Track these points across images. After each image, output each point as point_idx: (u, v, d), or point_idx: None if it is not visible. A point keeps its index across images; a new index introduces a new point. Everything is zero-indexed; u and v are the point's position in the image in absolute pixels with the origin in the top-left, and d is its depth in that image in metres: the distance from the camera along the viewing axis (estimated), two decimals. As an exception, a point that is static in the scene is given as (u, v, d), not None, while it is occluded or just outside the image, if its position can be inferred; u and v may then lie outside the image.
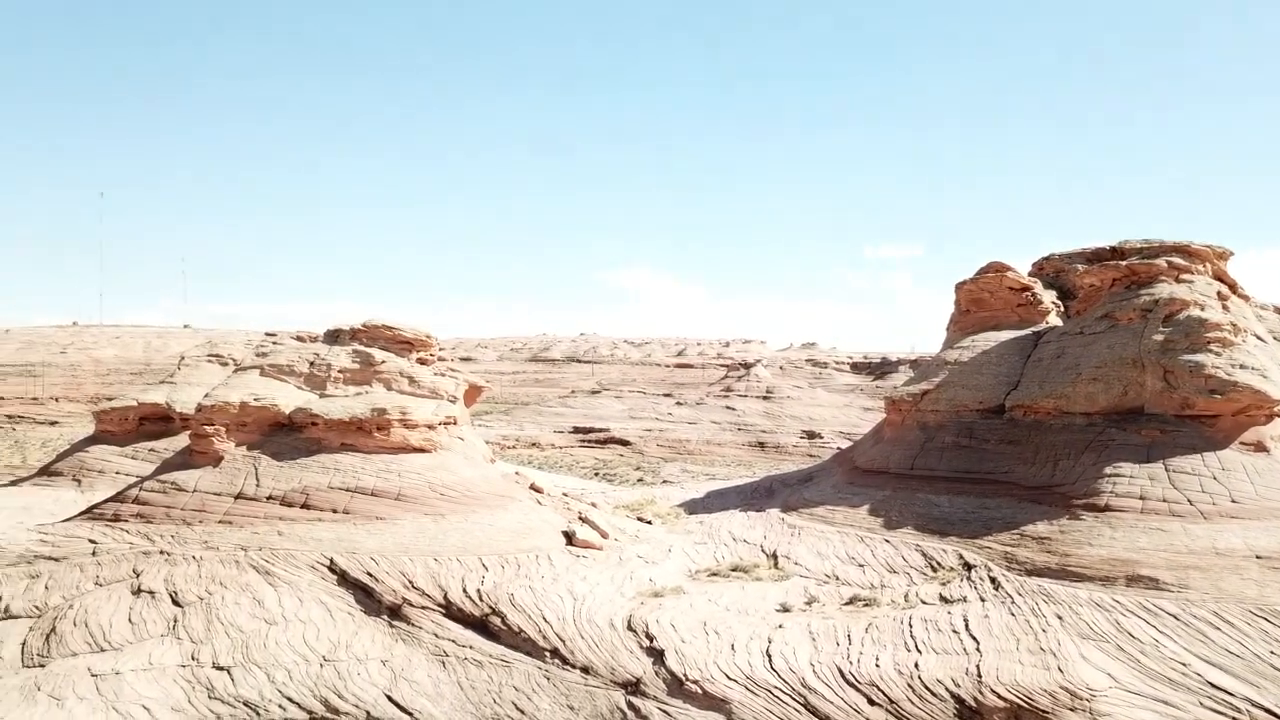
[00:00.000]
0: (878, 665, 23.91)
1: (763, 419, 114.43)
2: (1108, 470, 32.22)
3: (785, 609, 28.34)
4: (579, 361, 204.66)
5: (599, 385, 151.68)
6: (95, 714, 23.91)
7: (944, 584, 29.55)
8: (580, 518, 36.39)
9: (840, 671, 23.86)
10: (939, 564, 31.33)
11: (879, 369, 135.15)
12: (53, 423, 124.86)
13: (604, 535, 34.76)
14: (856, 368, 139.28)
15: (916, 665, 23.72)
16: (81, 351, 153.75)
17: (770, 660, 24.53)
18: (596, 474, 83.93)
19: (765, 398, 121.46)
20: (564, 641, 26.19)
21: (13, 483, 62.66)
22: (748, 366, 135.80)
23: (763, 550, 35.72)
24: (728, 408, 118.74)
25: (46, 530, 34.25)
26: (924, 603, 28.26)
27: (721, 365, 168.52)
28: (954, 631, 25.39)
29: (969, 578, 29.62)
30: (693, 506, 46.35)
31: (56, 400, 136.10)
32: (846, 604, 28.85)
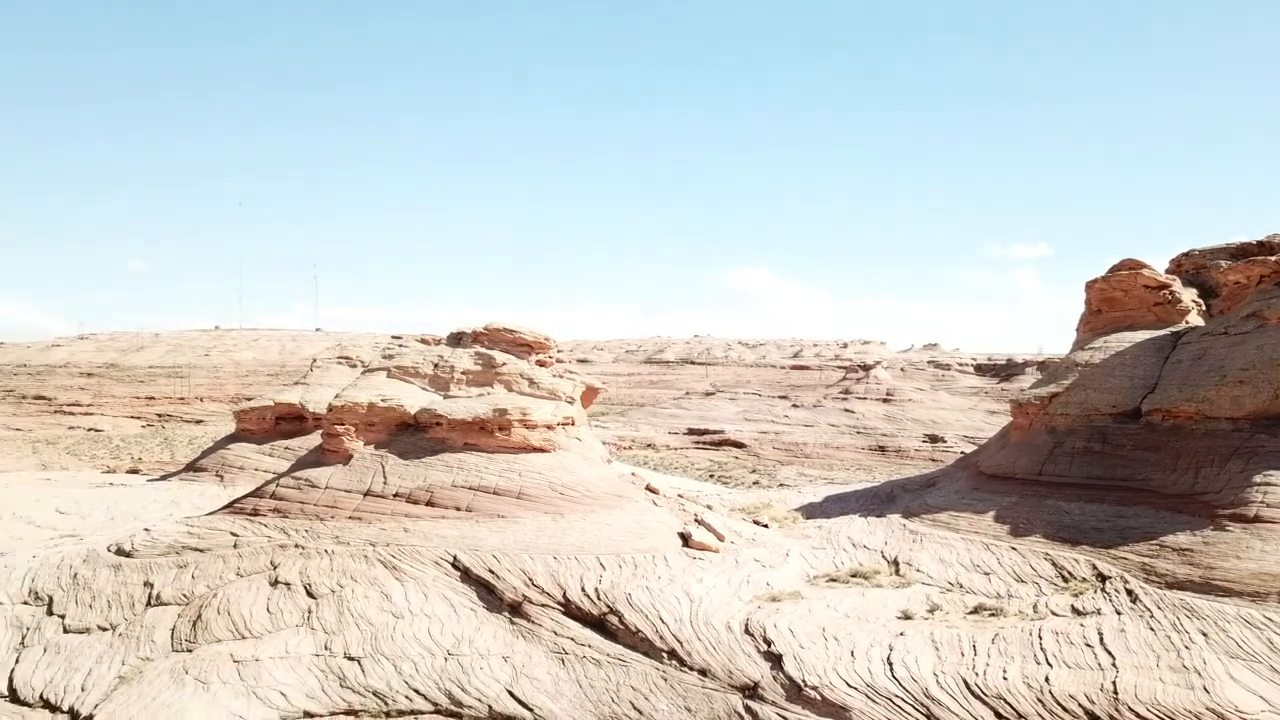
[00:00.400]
0: (1005, 678, 23.06)
1: (883, 422, 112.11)
2: (1257, 479, 30.21)
3: (907, 616, 27.65)
4: (693, 363, 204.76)
5: (713, 387, 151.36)
6: (238, 698, 25.21)
7: (1076, 595, 28.28)
8: (696, 520, 36.38)
9: (965, 683, 23.12)
10: (1070, 574, 30.01)
11: (1004, 371, 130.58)
12: (198, 421, 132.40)
13: (720, 538, 34.65)
14: (981, 370, 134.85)
15: (1047, 679, 22.78)
16: (223, 354, 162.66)
17: (891, 669, 23.97)
18: (711, 476, 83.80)
19: (885, 400, 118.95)
20: (681, 643, 26.22)
21: (162, 477, 66.74)
22: (867, 368, 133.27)
23: (883, 556, 34.96)
24: (846, 410, 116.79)
25: (193, 523, 36.30)
26: (1054, 614, 27.10)
27: (839, 367, 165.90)
28: (1087, 645, 24.27)
29: (1103, 589, 28.26)
30: (810, 511, 45.73)
31: (201, 400, 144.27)
32: (971, 613, 27.93)
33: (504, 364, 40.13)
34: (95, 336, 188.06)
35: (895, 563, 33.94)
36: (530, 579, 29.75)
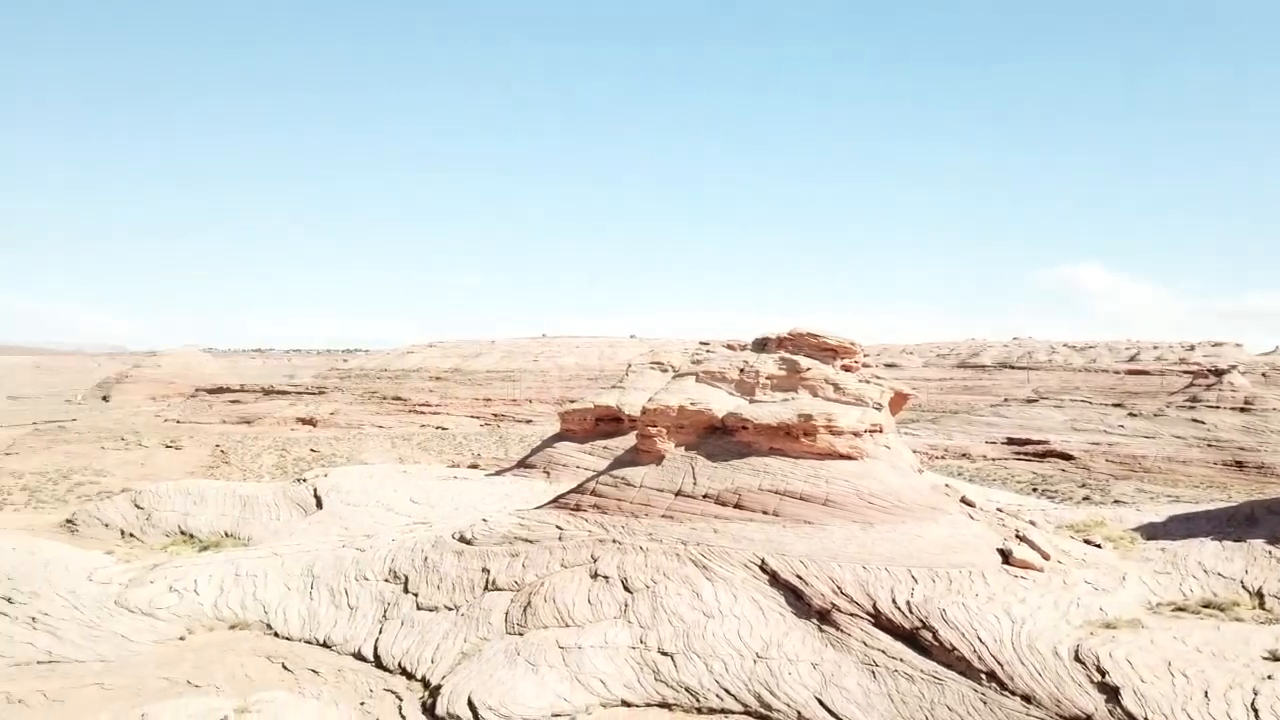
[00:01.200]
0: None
1: (1241, 434, 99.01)
2: None
3: (1275, 658, 24.21)
4: (1012, 367, 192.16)
5: (1036, 393, 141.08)
6: (562, 682, 27.05)
7: None
8: (1017, 535, 34.12)
9: (1353, 740, 19.87)
10: None
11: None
12: (528, 421, 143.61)
13: (1045, 556, 32.23)
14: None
15: None
16: (549, 360, 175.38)
17: (1257, 715, 21.11)
18: (1034, 489, 78.15)
19: (1243, 409, 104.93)
20: (1001, 665, 24.71)
21: (497, 472, 73.00)
22: (1219, 373, 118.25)
23: (1243, 586, 30.88)
24: (1194, 420, 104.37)
25: (523, 515, 39.39)
26: None
27: (1184, 372, 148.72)
28: None
29: None
30: (1151, 531, 41.30)
31: (530, 401, 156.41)
32: (1360, 660, 23.94)
33: (808, 369, 39.92)
34: (442, 344, 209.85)
35: (1259, 594, 29.90)
36: (839, 587, 29.35)
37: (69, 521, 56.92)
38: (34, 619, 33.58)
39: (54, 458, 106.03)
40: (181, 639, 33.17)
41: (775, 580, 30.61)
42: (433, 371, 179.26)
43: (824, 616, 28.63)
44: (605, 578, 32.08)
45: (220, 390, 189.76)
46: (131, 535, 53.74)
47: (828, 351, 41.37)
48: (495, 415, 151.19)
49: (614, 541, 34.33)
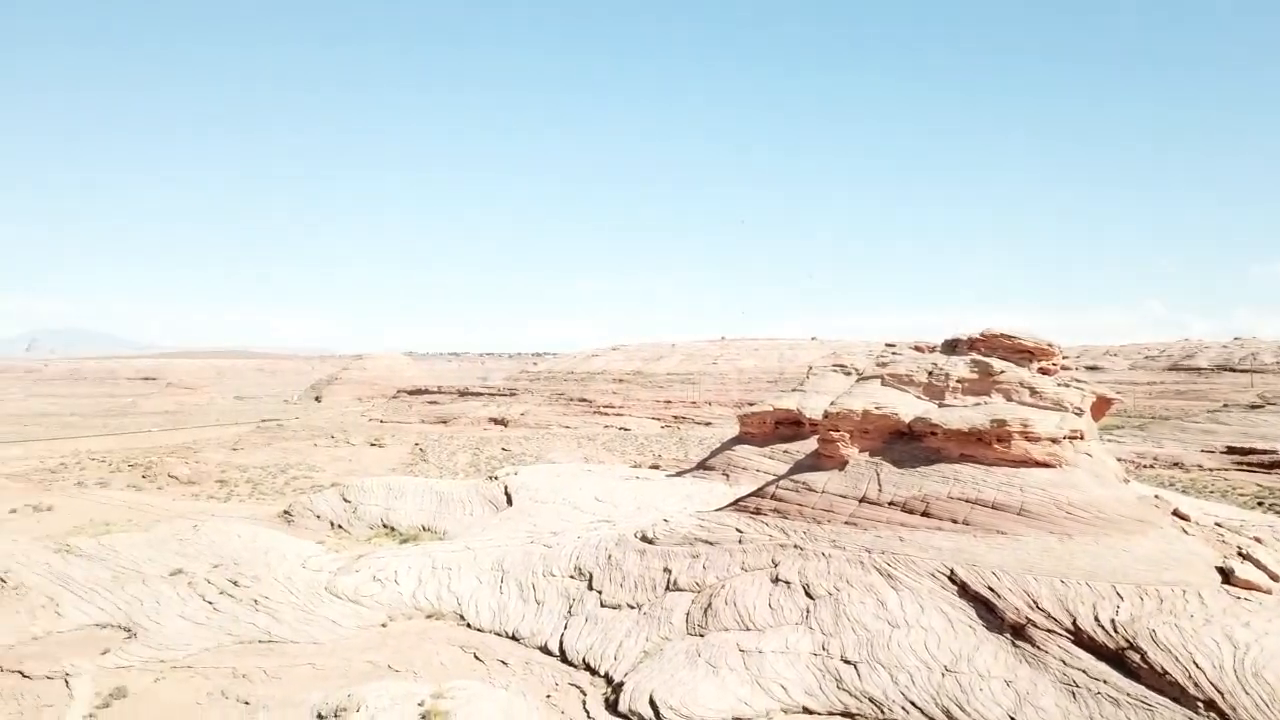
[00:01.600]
0: None
1: None
2: None
3: None
4: (1232, 370, 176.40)
5: (1261, 398, 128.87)
6: (743, 685, 26.97)
7: None
8: (1240, 553, 31.26)
9: None
10: None
11: None
12: (707, 423, 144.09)
13: (1274, 577, 29.37)
14: None
15: None
16: (728, 362, 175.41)
17: None
18: (1260, 504, 71.38)
19: None
20: (1222, 694, 22.71)
21: (678, 474, 73.65)
22: None
23: None
24: None
25: (704, 517, 39.56)
26: None
27: None
28: None
29: None
30: (1403, 552, 36.90)
31: (710, 404, 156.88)
32: None
33: (1002, 371, 38.09)
34: (625, 348, 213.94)
35: None
36: (1034, 601, 27.83)
37: (286, 512, 61.75)
38: (256, 601, 36.65)
39: (273, 453, 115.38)
40: (383, 625, 35.31)
41: (965, 592, 29.36)
42: (616, 374, 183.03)
43: (1018, 631, 27.21)
44: (786, 582, 31.76)
45: (419, 392, 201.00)
46: (340, 526, 57.71)
47: (1023, 353, 39.35)
48: (675, 417, 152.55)
49: (795, 546, 33.94)
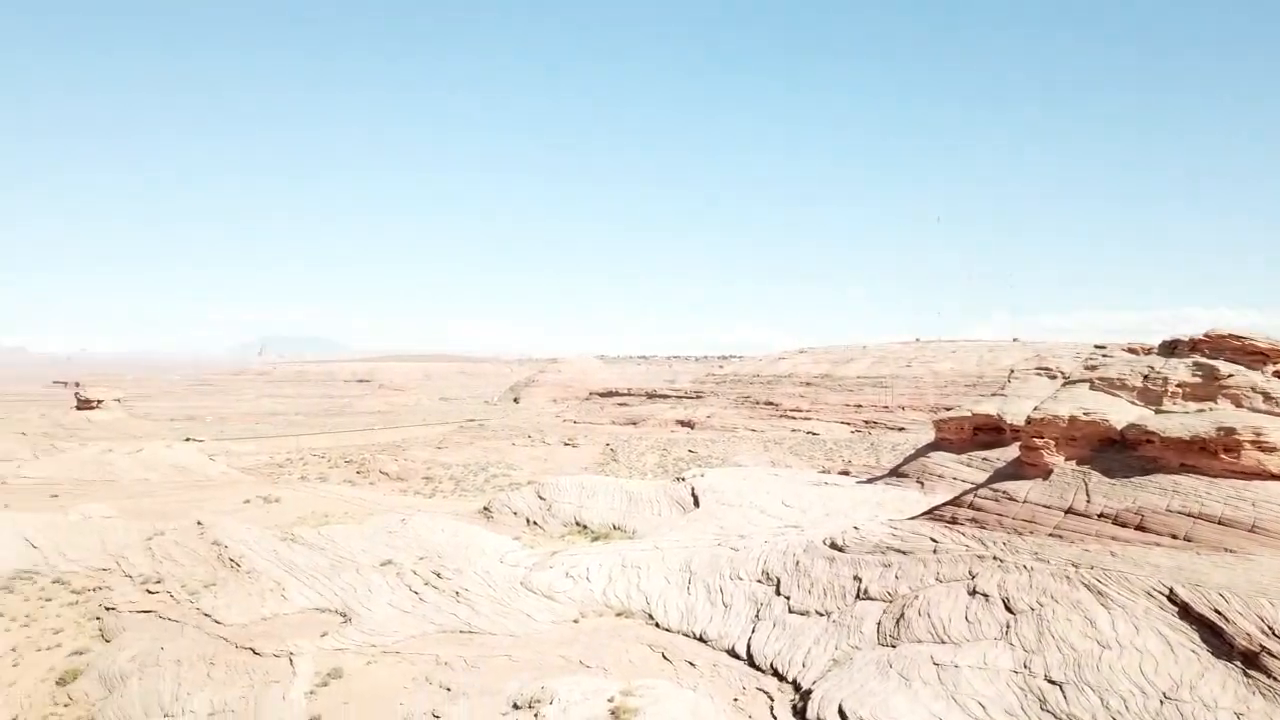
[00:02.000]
0: None
1: None
2: None
3: None
4: None
5: None
6: (937, 700, 25.95)
7: None
8: None
9: None
10: None
11: None
12: (900, 429, 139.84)
13: None
14: None
15: None
16: (923, 365, 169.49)
17: None
18: None
19: None
20: None
21: (868, 480, 71.95)
22: None
23: None
24: None
25: (896, 525, 38.44)
26: None
27: None
28: None
29: None
30: None
31: (903, 408, 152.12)
32: None
33: (1230, 376, 34.90)
34: (812, 350, 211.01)
35: None
36: (1270, 627, 25.29)
37: (485, 508, 64.78)
38: (457, 593, 38.60)
39: (475, 452, 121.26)
40: (575, 621, 36.37)
41: (1186, 613, 27.06)
42: (803, 377, 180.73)
43: (1250, 660, 24.82)
44: (984, 595, 30.34)
45: (610, 394, 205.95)
46: (535, 523, 59.96)
47: (1255, 356, 35.93)
48: (866, 422, 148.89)
49: (994, 558, 32.38)
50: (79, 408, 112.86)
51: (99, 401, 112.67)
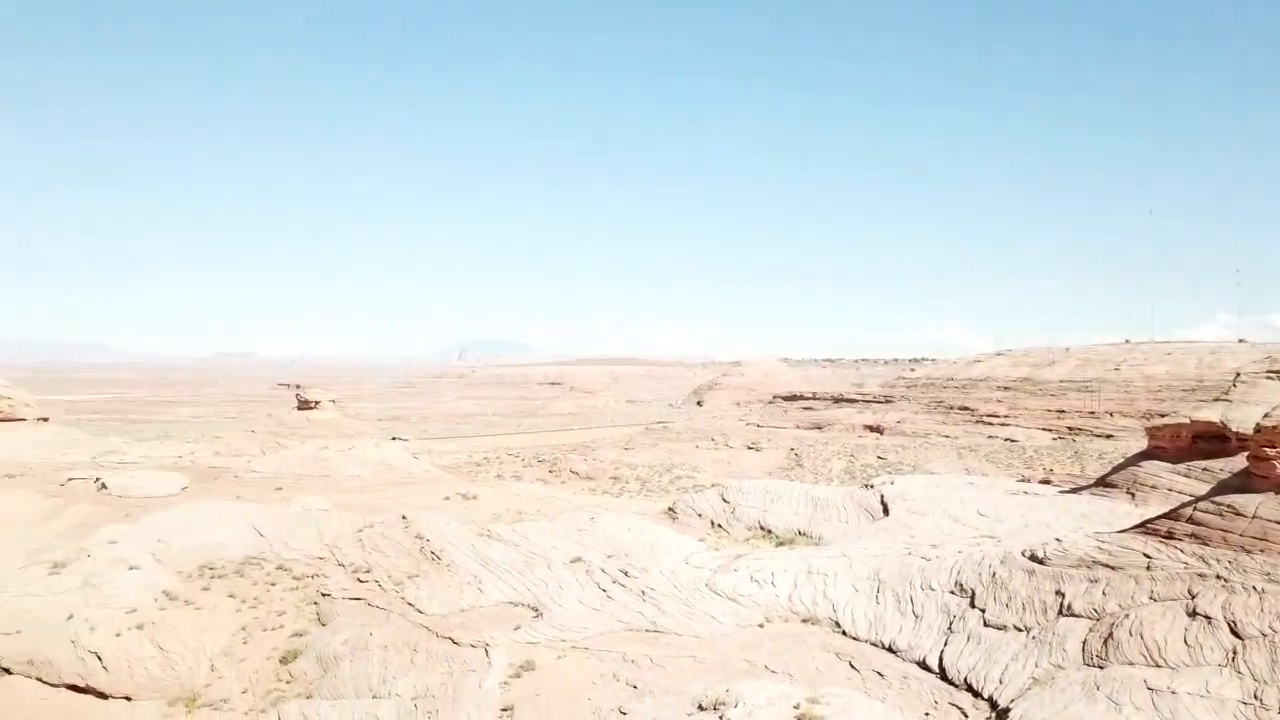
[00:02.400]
0: None
1: None
2: None
3: None
4: None
5: None
6: (1151, 728, 24.08)
7: None
8: None
9: None
10: None
11: None
12: (1107, 436, 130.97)
13: None
14: None
15: None
16: (1133, 368, 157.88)
17: None
18: None
19: None
20: None
21: (1073, 489, 67.77)
22: None
23: None
24: None
25: (1104, 539, 35.99)
26: None
27: None
28: None
29: None
30: None
31: (1110, 414, 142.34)
32: None
33: None
34: (1011, 352, 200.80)
35: None
36: None
37: (670, 509, 65.51)
38: (643, 592, 39.19)
39: (659, 453, 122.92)
40: (760, 626, 36.15)
41: None
42: (1001, 381, 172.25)
43: None
44: (1206, 617, 27.90)
45: (794, 397, 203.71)
46: (719, 525, 60.07)
47: None
48: (1070, 428, 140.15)
49: (1217, 578, 29.74)
50: (299, 408, 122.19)
51: (317, 402, 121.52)
